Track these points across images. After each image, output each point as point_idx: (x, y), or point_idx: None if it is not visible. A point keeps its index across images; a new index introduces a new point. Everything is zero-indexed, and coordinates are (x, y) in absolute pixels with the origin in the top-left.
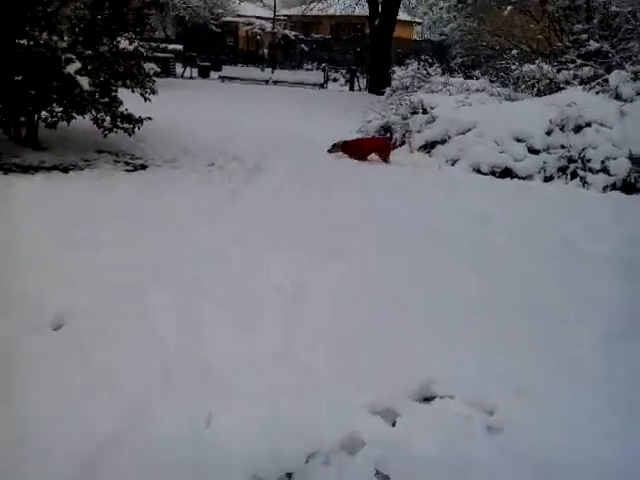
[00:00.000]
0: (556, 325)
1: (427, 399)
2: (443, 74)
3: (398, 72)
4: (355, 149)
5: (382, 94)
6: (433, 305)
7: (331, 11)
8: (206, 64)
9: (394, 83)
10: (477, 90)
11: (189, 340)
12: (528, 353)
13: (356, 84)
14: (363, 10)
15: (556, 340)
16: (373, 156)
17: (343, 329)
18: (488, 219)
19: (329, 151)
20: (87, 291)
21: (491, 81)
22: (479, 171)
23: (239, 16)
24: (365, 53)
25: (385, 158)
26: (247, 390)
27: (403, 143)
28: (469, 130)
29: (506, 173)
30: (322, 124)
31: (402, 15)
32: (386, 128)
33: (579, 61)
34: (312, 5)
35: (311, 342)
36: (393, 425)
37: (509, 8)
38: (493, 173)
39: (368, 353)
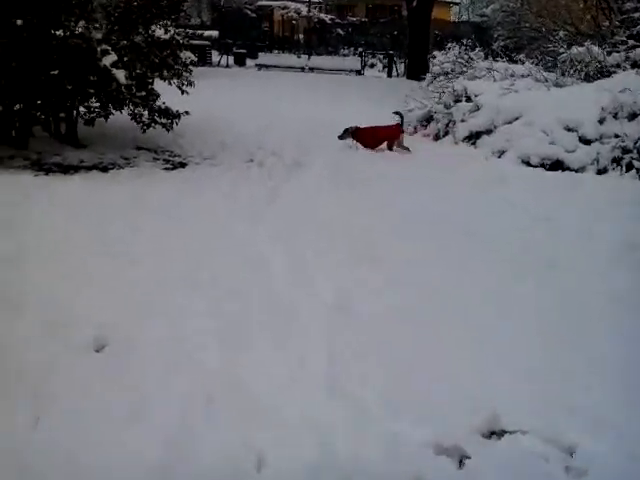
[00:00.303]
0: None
1: (496, 434)
2: (486, 58)
3: (438, 57)
4: (366, 137)
5: (421, 80)
6: (481, 320)
7: None
8: (242, 51)
9: (434, 69)
10: (523, 75)
11: (229, 362)
12: (607, 381)
13: (394, 70)
14: None
15: None
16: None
17: (392, 349)
18: (543, 219)
19: (340, 137)
20: (123, 304)
21: (536, 65)
22: (528, 163)
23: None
24: (402, 37)
25: (392, 145)
26: (292, 422)
27: (447, 133)
28: (516, 119)
29: (557, 165)
30: (360, 113)
31: None
32: (428, 117)
33: (631, 42)
34: None
35: (360, 364)
36: (460, 466)
37: None
38: (543, 165)
39: (423, 378)
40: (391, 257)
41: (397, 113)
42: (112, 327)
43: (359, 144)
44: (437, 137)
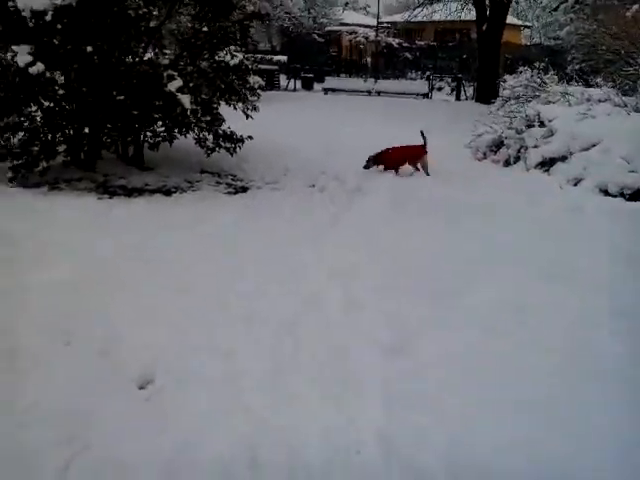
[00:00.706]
0: None
1: None
2: (559, 82)
3: (509, 81)
4: (385, 159)
5: (490, 104)
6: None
7: (436, 17)
8: (309, 75)
9: (505, 92)
10: (600, 100)
11: (278, 413)
12: None
13: (462, 93)
14: (470, 15)
15: None
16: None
17: (452, 401)
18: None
19: (365, 167)
20: (172, 335)
21: (614, 89)
22: (606, 192)
23: (342, 24)
24: (471, 60)
25: (416, 164)
26: None
27: (518, 159)
28: (593, 145)
29: (637, 195)
30: (430, 138)
31: (510, 19)
32: (498, 143)
33: None
34: (416, 11)
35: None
36: None
37: (634, 7)
38: (622, 195)
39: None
40: (461, 296)
41: (421, 133)
42: (160, 361)
43: (381, 167)
44: (507, 163)
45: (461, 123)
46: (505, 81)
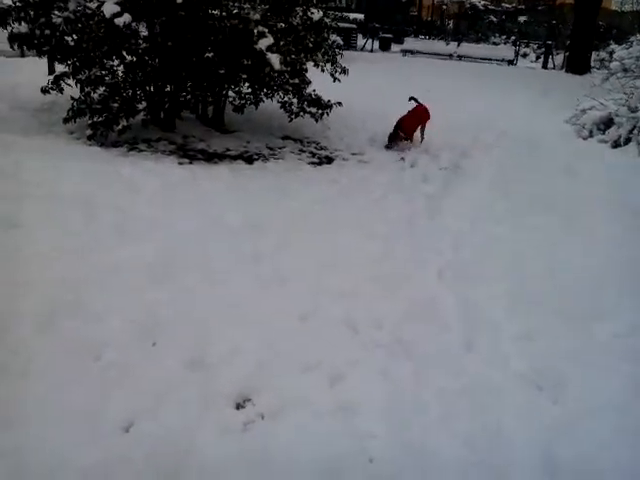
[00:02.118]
0: None
1: None
2: None
3: (618, 51)
4: (406, 128)
5: (583, 74)
6: None
7: None
8: (388, 36)
9: (613, 64)
10: None
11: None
12: None
13: (549, 61)
14: None
15: None
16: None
17: None
18: None
19: (387, 147)
20: (267, 346)
21: None
22: None
23: None
24: (561, 26)
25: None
26: None
27: (628, 140)
28: None
29: None
30: (520, 110)
31: None
32: (606, 121)
33: None
34: None
35: None
36: None
37: None
38: None
39: None
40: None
41: (412, 98)
42: (256, 375)
43: (402, 136)
44: (616, 144)
45: (553, 94)
46: (614, 51)
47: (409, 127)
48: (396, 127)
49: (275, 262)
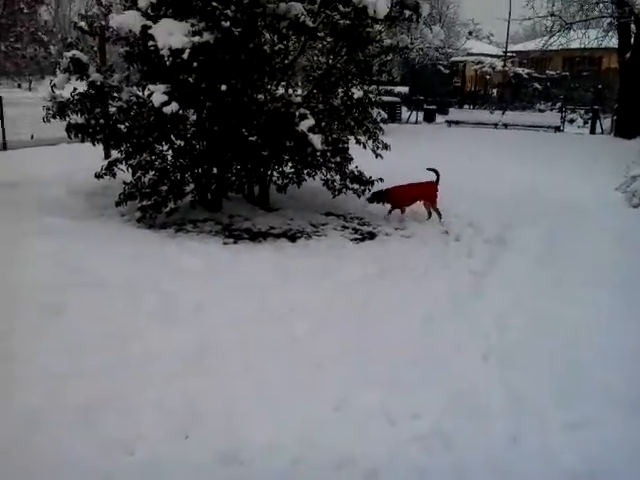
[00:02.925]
0: None
1: None
2: None
3: None
4: (393, 197)
5: (632, 138)
6: None
7: (574, 45)
8: (432, 107)
9: None
10: None
11: None
12: None
13: (597, 126)
14: (610, 42)
15: None
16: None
17: None
18: None
19: (369, 200)
20: (305, 444)
21: None
22: None
23: (469, 54)
24: (607, 91)
25: (431, 206)
26: None
27: None
28: None
29: None
30: (567, 178)
31: None
32: None
33: None
34: (552, 39)
35: None
36: None
37: None
38: None
39: None
40: None
41: (432, 170)
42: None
43: (389, 205)
44: None
45: (602, 161)
46: None
47: (398, 198)
48: (384, 192)
49: (312, 346)
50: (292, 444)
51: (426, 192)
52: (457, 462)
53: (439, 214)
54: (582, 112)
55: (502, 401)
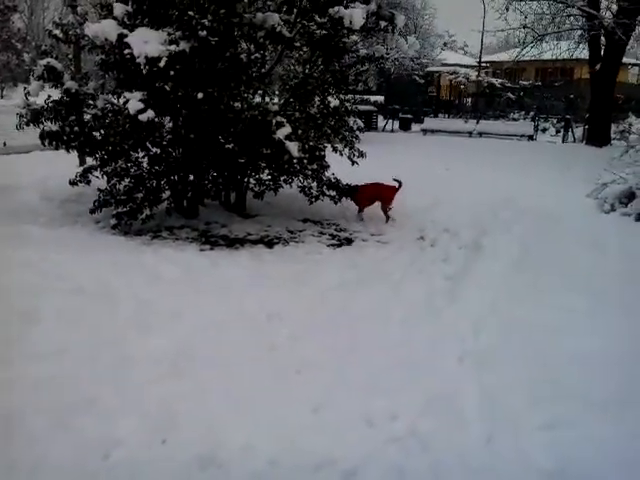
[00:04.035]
0: None
1: None
2: None
3: (636, 124)
4: (359, 194)
5: (603, 147)
6: None
7: (546, 56)
8: (407, 116)
9: (631, 137)
10: None
11: None
12: None
13: (569, 135)
14: (581, 54)
15: None
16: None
17: None
18: None
19: (342, 194)
20: (282, 447)
21: None
22: None
23: (443, 65)
24: (579, 100)
25: (385, 205)
26: None
27: None
28: None
29: None
30: (540, 185)
31: None
32: (629, 195)
33: None
34: (525, 50)
35: None
36: None
37: None
38: None
39: None
40: None
41: (397, 180)
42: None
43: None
44: (639, 217)
45: (574, 168)
46: (631, 124)
47: (364, 196)
48: (356, 188)
49: (291, 352)
50: (270, 446)
51: (384, 194)
52: (434, 462)
53: (387, 216)
54: (554, 121)
55: (477, 403)
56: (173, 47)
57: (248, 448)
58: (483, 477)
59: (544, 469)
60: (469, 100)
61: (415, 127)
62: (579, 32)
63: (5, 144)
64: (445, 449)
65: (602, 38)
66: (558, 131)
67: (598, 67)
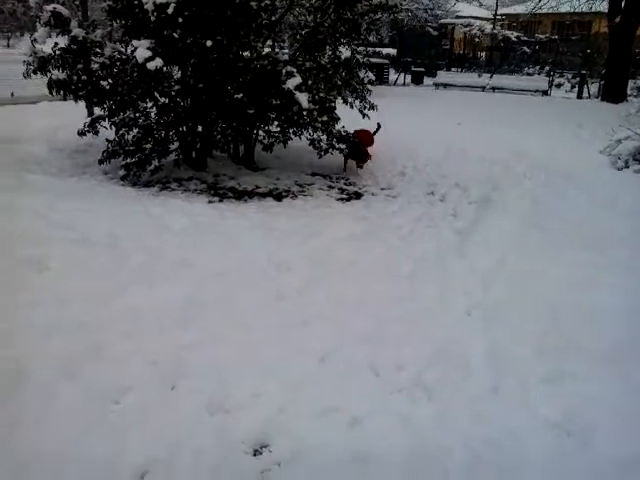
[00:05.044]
0: None
1: None
2: None
3: None
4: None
5: (619, 103)
6: None
7: (563, 9)
8: (420, 70)
9: None
10: None
11: None
12: None
13: (584, 90)
14: (600, 6)
15: None
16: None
17: None
18: None
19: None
20: (287, 394)
21: None
22: None
23: (458, 17)
24: (595, 55)
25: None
26: None
27: None
28: None
29: None
30: (553, 141)
31: None
32: None
33: None
34: (542, 3)
35: None
36: None
37: None
38: None
39: None
40: None
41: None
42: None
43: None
44: None
45: (588, 124)
46: None
47: (364, 149)
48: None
49: (298, 303)
50: (277, 394)
51: (368, 142)
52: (439, 411)
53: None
54: (570, 76)
55: (483, 355)
56: None
57: (256, 396)
58: (488, 426)
59: (549, 419)
60: (483, 54)
61: (428, 81)
62: None
63: (13, 94)
64: (450, 399)
65: None
66: (573, 87)
67: (617, 20)
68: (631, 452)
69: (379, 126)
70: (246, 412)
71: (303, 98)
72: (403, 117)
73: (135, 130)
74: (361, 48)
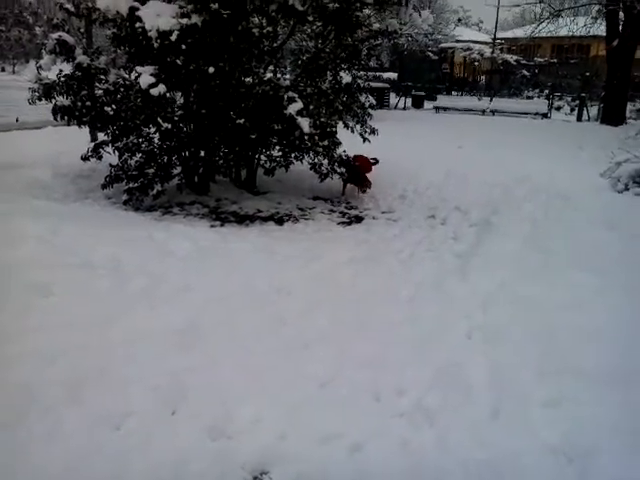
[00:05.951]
0: None
1: None
2: None
3: None
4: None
5: (618, 126)
6: None
7: (562, 32)
8: (420, 94)
9: None
10: None
11: None
12: None
13: (584, 113)
14: (598, 30)
15: None
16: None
17: None
18: None
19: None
20: (289, 421)
21: None
22: None
23: (458, 41)
24: (594, 78)
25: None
26: None
27: None
28: None
29: None
30: (553, 164)
31: None
32: None
33: None
34: (541, 26)
35: None
36: None
37: None
38: None
39: None
40: None
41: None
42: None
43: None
44: None
45: (588, 147)
46: None
47: (364, 176)
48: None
49: (300, 326)
50: (278, 419)
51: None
52: (440, 437)
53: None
54: (569, 99)
55: (484, 378)
56: (185, 20)
57: (257, 421)
58: (489, 450)
59: (549, 443)
60: (483, 77)
61: (428, 105)
62: (597, 7)
63: (18, 120)
64: (451, 423)
65: (620, 13)
66: (573, 109)
67: (615, 43)
68: (631, 476)
69: (377, 161)
70: (247, 437)
71: (304, 123)
72: (404, 141)
73: (138, 155)
74: (362, 73)
